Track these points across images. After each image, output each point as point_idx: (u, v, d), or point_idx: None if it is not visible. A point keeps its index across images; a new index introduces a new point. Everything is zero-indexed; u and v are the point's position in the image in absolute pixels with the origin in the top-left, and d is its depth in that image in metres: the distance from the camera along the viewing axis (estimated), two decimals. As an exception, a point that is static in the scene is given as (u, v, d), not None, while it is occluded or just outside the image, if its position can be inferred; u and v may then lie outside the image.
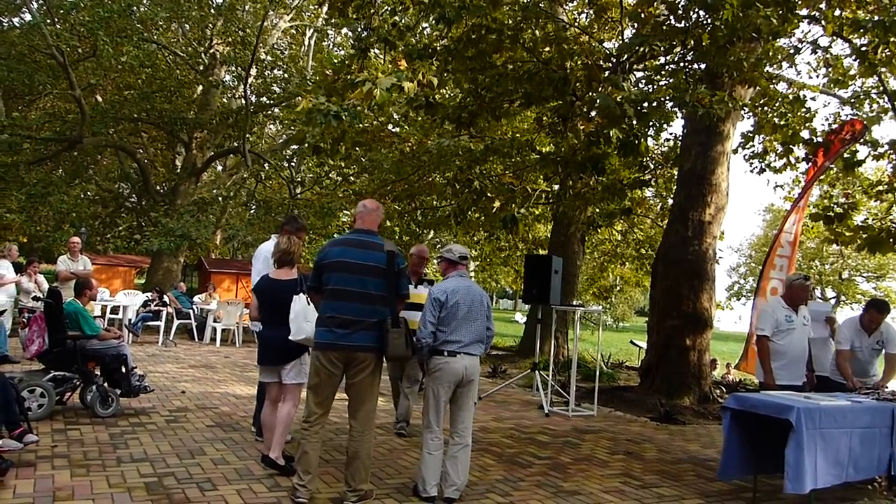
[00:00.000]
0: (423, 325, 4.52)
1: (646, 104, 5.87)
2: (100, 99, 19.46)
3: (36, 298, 6.22)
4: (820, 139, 7.86)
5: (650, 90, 7.64)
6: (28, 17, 16.91)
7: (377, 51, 8.07)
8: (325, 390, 4.32)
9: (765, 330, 5.78)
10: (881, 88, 8.70)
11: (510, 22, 8.04)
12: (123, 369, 6.48)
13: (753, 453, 5.04)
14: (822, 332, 6.57)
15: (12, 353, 9.24)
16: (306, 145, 7.09)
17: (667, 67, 8.50)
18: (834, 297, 41.58)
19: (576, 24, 12.02)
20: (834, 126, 8.48)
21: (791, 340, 5.77)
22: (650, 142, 9.84)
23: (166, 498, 4.21)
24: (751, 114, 9.10)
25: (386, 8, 7.08)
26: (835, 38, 8.52)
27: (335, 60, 15.07)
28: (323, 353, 4.28)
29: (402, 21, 7.30)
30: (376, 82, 5.71)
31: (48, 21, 15.14)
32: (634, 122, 5.85)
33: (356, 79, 5.76)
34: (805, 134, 7.95)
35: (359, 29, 6.94)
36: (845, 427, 4.81)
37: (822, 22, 7.31)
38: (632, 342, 19.24)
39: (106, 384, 6.40)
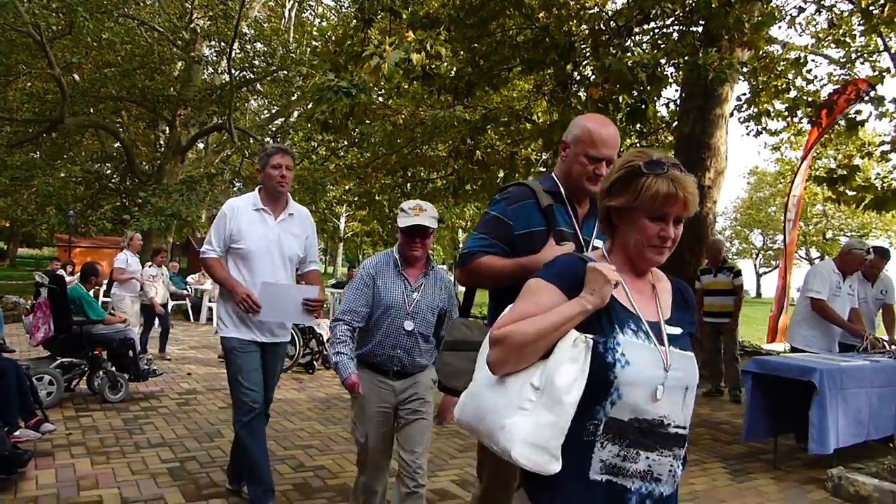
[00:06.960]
0: None
1: (657, 69, 5.76)
2: (78, 78, 18.93)
3: (39, 285, 6.06)
4: (821, 100, 7.80)
5: (655, 54, 7.51)
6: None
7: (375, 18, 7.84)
8: None
9: (822, 293, 5.54)
10: (882, 48, 8.64)
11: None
12: (131, 353, 6.39)
13: (774, 416, 5.08)
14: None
15: (15, 341, 9.12)
16: (316, 121, 6.90)
17: (667, 30, 8.36)
18: (818, 257, 42.10)
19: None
20: (837, 87, 8.44)
21: (833, 308, 5.56)
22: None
23: (192, 483, 4.16)
24: (749, 77, 9.01)
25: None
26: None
27: (328, 33, 14.66)
28: None
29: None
30: (384, 56, 5.55)
31: (21, -3, 14.62)
32: (648, 87, 5.75)
33: (361, 51, 5.59)
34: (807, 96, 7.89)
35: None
36: (865, 386, 4.85)
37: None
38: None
39: (114, 369, 6.31)
